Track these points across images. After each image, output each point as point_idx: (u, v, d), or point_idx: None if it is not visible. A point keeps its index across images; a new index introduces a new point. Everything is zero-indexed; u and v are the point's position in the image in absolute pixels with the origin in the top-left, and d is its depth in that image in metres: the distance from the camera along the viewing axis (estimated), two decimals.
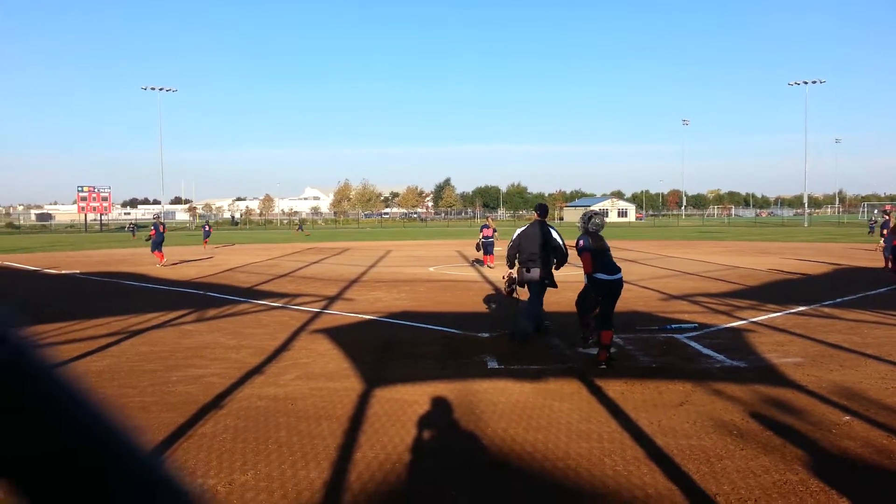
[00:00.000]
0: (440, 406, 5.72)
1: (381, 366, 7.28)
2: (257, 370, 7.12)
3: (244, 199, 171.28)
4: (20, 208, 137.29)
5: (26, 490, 0.43)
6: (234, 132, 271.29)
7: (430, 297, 13.30)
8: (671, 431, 4.99)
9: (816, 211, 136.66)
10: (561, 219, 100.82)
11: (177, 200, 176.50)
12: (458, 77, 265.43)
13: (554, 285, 8.60)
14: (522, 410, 5.57)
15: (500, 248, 28.85)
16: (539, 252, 8.44)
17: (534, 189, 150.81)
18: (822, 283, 15.50)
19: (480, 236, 21.66)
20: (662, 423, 5.20)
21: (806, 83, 71.93)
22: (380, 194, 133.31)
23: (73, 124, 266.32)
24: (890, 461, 4.33)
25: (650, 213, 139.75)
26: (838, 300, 11.99)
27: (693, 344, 8.25)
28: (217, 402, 5.90)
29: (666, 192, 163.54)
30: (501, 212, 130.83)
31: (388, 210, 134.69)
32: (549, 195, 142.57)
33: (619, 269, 7.44)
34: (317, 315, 11.03)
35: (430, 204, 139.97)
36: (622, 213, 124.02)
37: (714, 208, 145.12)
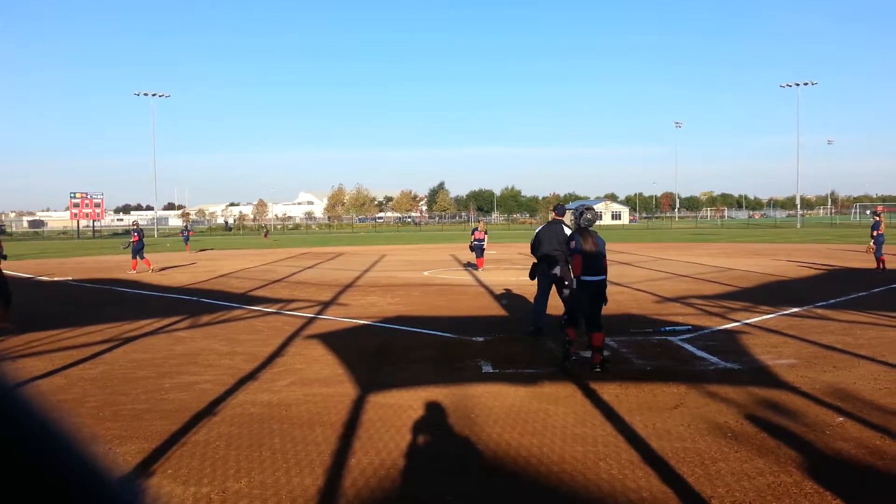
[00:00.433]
0: (435, 411, 5.71)
1: (375, 371, 7.26)
2: (251, 376, 7.09)
3: (238, 205, 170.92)
4: (12, 215, 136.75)
5: None
6: (227, 137, 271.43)
7: (424, 302, 13.29)
8: (666, 434, 4.99)
9: (809, 212, 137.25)
10: None
11: (170, 206, 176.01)
12: (452, 80, 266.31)
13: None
14: (517, 414, 5.56)
15: (495, 252, 28.94)
16: (557, 249, 8.98)
17: (528, 192, 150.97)
18: (814, 284, 15.56)
19: (472, 238, 21.74)
20: (657, 425, 5.20)
21: (798, 85, 72.33)
22: (374, 199, 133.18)
23: (66, 130, 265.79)
24: (883, 462, 4.34)
25: (644, 215, 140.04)
26: (831, 301, 12.04)
27: (687, 346, 8.27)
28: (210, 409, 5.87)
29: (659, 195, 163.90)
30: (496, 215, 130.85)
31: (382, 214, 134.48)
32: (544, 198, 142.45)
33: (604, 271, 7.39)
34: (311, 320, 11.00)
35: (425, 208, 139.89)
36: (616, 216, 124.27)
37: (707, 210, 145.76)
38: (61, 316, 10.35)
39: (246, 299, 14.18)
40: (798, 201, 78.26)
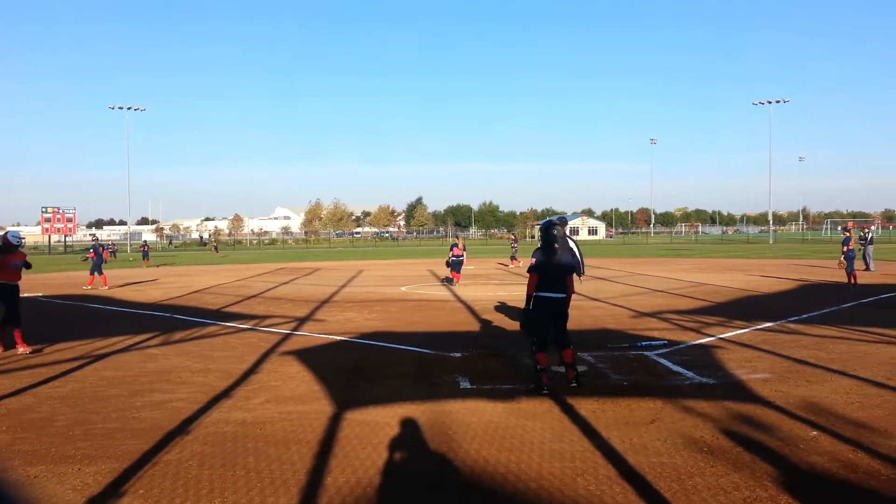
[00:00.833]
0: (412, 428, 5.66)
1: (352, 388, 7.20)
2: (225, 394, 6.99)
3: (213, 219, 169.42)
4: None
5: None
6: (203, 151, 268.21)
7: (401, 317, 13.24)
8: (643, 449, 5.00)
9: (781, 228, 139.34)
10: (532, 237, 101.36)
11: (144, 221, 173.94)
12: (429, 96, 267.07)
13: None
14: (495, 431, 5.54)
15: (473, 267, 28.98)
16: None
17: (505, 207, 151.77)
18: (787, 299, 15.79)
19: (451, 255, 21.75)
20: (634, 441, 5.21)
21: (770, 102, 73.68)
22: (351, 213, 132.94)
23: (37, 144, 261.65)
24: (856, 475, 4.39)
25: (620, 230, 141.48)
26: (803, 316, 12.22)
27: (663, 361, 8.32)
28: (183, 427, 5.77)
29: (635, 210, 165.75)
30: (473, 230, 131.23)
31: (359, 229, 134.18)
32: (521, 213, 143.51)
33: (565, 289, 7.03)
34: (287, 337, 10.90)
35: (402, 223, 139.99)
36: (593, 231, 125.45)
37: (682, 226, 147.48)
38: (30, 333, 10.13)
39: (220, 315, 14.02)
40: (770, 217, 79.36)
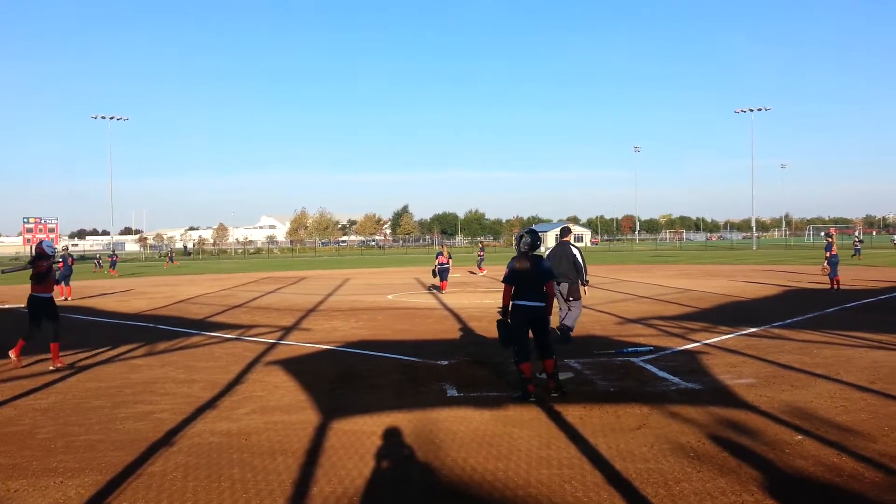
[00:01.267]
0: (399, 436, 5.64)
1: (338, 397, 7.16)
2: (210, 405, 6.93)
3: (197, 229, 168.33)
4: None
5: None
6: (187, 160, 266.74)
7: (388, 326, 13.20)
8: (629, 455, 5.01)
9: (764, 234, 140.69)
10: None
11: (127, 231, 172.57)
12: (414, 104, 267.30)
13: (577, 298, 10.41)
14: (482, 438, 5.53)
15: (458, 274, 28.97)
16: (564, 269, 10.16)
17: (491, 215, 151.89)
18: (771, 304, 15.91)
19: (436, 263, 21.80)
20: (621, 447, 5.22)
21: (752, 110, 74.54)
22: (337, 222, 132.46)
23: (20, 154, 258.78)
24: (841, 479, 4.42)
25: (605, 237, 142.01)
26: (788, 321, 12.32)
27: (649, 367, 8.35)
28: (167, 438, 5.71)
29: (620, 217, 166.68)
30: (459, 238, 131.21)
31: (345, 238, 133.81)
32: (507, 221, 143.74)
33: (543, 298, 6.95)
34: (272, 346, 10.83)
35: (388, 231, 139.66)
36: (578, 238, 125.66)
37: (666, 233, 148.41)
38: (12, 344, 9.99)
39: (205, 325, 13.91)
40: (753, 224, 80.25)
